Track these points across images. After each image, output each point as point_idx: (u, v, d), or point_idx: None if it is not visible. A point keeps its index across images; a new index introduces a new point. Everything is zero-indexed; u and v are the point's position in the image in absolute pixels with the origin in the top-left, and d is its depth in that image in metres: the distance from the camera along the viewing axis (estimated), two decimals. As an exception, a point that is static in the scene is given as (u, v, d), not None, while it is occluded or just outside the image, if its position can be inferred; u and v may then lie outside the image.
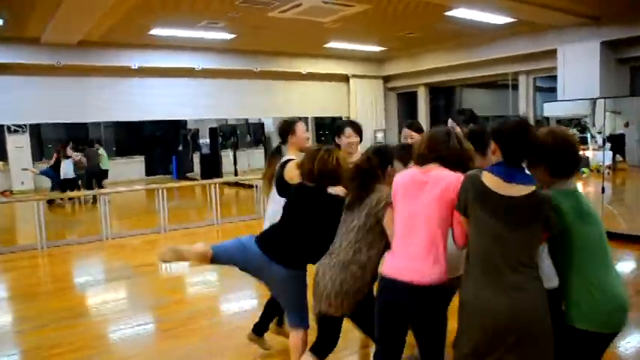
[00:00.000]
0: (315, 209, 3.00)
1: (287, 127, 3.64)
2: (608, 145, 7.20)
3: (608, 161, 7.15)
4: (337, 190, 2.98)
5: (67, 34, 7.39)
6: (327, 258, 2.78)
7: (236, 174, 15.10)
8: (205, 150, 17.20)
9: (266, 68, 10.10)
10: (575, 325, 2.19)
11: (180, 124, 18.79)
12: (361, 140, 3.93)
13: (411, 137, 3.75)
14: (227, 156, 15.96)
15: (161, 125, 18.35)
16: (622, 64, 8.01)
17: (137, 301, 5.40)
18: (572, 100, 7.62)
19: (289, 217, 3.07)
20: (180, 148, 19.06)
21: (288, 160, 3.47)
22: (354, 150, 3.80)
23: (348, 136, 3.83)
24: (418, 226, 2.40)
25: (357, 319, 2.91)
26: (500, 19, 7.52)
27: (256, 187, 10.70)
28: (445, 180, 2.37)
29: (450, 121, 3.62)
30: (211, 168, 16.02)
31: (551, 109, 7.94)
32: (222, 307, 5.20)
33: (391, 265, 2.49)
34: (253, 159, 15.20)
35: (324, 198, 2.99)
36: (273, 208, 3.50)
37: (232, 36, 8.16)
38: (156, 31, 7.69)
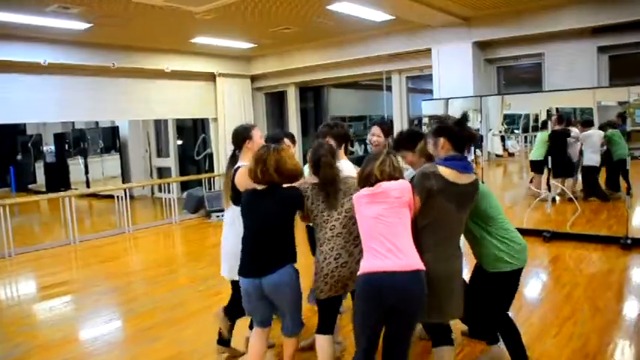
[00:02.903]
0: (275, 208, 2.94)
1: (243, 133, 3.54)
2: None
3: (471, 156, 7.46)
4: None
5: None
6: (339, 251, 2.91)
7: (88, 184, 13.60)
8: (50, 158, 15.48)
9: (124, 65, 8.96)
10: (504, 270, 2.98)
11: (18, 130, 16.68)
12: None
13: (378, 136, 3.84)
14: (76, 164, 14.34)
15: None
16: (490, 64, 8.32)
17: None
18: (452, 98, 7.74)
19: (252, 225, 2.98)
20: (19, 157, 16.95)
21: (239, 167, 3.40)
22: None
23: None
24: (391, 225, 2.57)
25: None
26: (380, 16, 7.37)
27: (117, 197, 9.59)
28: (400, 186, 2.66)
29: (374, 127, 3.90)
30: (58, 178, 14.46)
31: (428, 108, 8.03)
32: (80, 335, 4.37)
33: (377, 264, 2.53)
34: (107, 167, 13.76)
35: (282, 195, 2.97)
36: (232, 215, 3.47)
37: (87, 25, 7.04)
38: (-11, 16, 6.37)
